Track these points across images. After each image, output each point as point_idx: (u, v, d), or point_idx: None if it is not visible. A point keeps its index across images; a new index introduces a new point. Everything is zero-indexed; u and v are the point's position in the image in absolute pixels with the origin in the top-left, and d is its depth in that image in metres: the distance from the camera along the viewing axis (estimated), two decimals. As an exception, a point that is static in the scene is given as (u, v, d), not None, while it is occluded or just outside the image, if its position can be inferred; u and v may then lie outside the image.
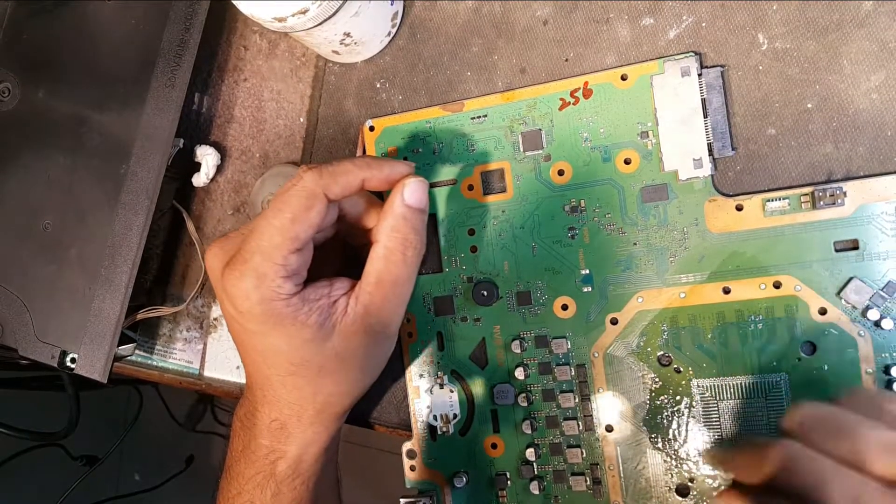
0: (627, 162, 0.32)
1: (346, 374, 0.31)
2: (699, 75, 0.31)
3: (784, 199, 0.30)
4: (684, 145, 0.31)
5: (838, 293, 0.30)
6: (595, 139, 0.33)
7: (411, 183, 0.31)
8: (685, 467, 0.32)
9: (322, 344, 0.30)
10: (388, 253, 0.30)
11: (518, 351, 0.34)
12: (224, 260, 0.30)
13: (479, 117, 0.35)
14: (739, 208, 0.31)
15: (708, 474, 0.31)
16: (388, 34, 0.37)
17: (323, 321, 0.30)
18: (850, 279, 0.29)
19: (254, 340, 0.30)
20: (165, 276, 0.43)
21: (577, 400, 0.33)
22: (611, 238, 0.33)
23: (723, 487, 0.31)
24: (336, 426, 0.33)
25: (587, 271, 0.33)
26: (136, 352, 0.44)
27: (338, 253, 0.35)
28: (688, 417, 0.32)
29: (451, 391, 0.35)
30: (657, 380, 0.32)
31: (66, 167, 0.40)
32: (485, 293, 0.34)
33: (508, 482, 0.34)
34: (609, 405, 0.33)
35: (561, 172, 0.33)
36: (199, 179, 0.41)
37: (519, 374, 0.34)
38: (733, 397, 0.31)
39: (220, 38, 0.42)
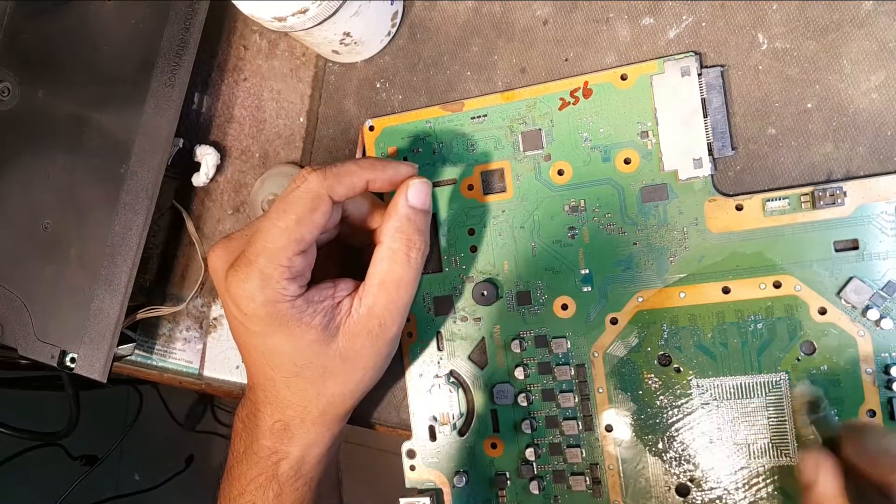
0: (627, 162, 0.32)
1: (350, 375, 0.31)
2: (699, 75, 0.31)
3: (784, 198, 0.30)
4: (684, 145, 0.31)
5: (838, 293, 0.30)
6: (595, 139, 0.33)
7: (415, 184, 0.31)
8: (685, 467, 0.32)
9: (326, 345, 0.30)
10: (391, 254, 0.30)
11: (518, 351, 0.34)
12: (228, 261, 0.30)
13: (479, 117, 0.35)
14: (739, 208, 0.31)
15: (707, 474, 0.31)
16: (388, 34, 0.37)
17: (327, 323, 0.30)
18: (850, 279, 0.29)
19: (257, 342, 0.30)
20: (165, 275, 0.43)
21: (576, 400, 0.33)
22: (611, 238, 0.33)
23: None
24: (339, 427, 0.33)
25: (587, 271, 0.33)
26: (136, 352, 0.44)
27: (340, 254, 0.35)
28: (688, 418, 0.32)
29: (451, 391, 0.35)
30: (657, 380, 0.32)
31: (66, 167, 0.40)
32: (485, 293, 0.34)
33: (508, 482, 0.34)
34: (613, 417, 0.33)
35: (561, 172, 0.33)
36: (199, 179, 0.41)
37: (519, 374, 0.34)
38: (733, 397, 0.31)
39: (220, 37, 0.42)
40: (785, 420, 0.30)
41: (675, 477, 0.32)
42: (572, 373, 0.33)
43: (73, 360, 0.39)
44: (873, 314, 0.29)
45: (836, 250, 0.30)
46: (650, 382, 0.32)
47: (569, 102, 0.33)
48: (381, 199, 0.35)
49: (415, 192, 0.31)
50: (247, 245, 0.29)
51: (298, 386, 0.31)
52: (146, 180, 0.38)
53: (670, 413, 0.32)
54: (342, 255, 0.36)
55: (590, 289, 0.33)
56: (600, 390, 0.33)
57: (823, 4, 0.30)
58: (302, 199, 0.28)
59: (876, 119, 0.30)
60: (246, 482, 0.32)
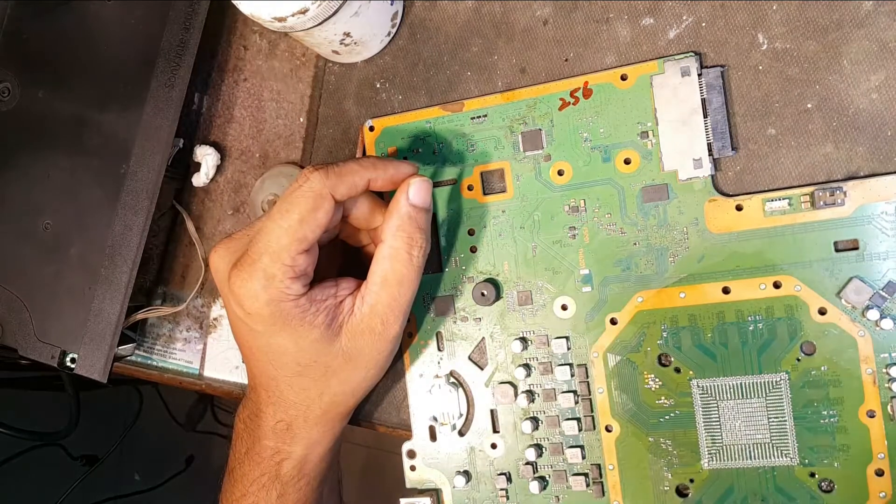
0: (627, 162, 0.32)
1: (353, 374, 0.31)
2: (699, 75, 0.31)
3: (784, 199, 0.30)
4: (684, 145, 0.31)
5: (838, 293, 0.30)
6: (595, 139, 0.33)
7: (416, 182, 0.31)
8: (685, 467, 0.32)
9: (329, 344, 0.30)
10: (393, 252, 0.30)
11: (518, 351, 0.34)
12: (230, 261, 0.30)
13: (479, 117, 0.35)
14: (739, 208, 0.31)
15: (707, 474, 0.31)
16: (388, 34, 0.37)
17: (330, 321, 0.30)
18: (850, 279, 0.29)
19: (260, 341, 0.30)
20: (165, 276, 0.43)
21: (577, 400, 0.33)
22: (611, 238, 0.33)
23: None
24: (340, 426, 0.33)
25: (587, 271, 0.33)
26: (136, 352, 0.44)
27: (341, 253, 0.36)
28: (688, 418, 0.32)
29: (451, 391, 0.35)
30: (657, 380, 0.32)
31: (66, 167, 0.40)
32: (485, 293, 0.34)
33: (508, 482, 0.34)
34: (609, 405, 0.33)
35: (561, 172, 0.33)
36: (199, 179, 0.41)
37: (519, 374, 0.34)
38: (733, 397, 0.31)
39: (220, 38, 0.42)
40: (785, 420, 0.30)
41: (675, 477, 0.32)
42: (572, 373, 0.33)
43: (73, 360, 0.39)
44: (873, 314, 0.29)
45: (837, 250, 0.30)
46: (650, 383, 0.32)
47: (569, 102, 0.33)
48: (382, 199, 0.35)
49: (416, 191, 0.31)
50: (249, 245, 0.29)
51: (301, 385, 0.31)
52: (146, 180, 0.38)
53: (670, 413, 0.32)
54: (343, 254, 0.36)
55: (590, 289, 0.33)
56: (600, 390, 0.33)
57: (823, 4, 0.30)
58: (304, 199, 0.29)
59: (876, 119, 0.30)
60: (248, 483, 0.33)
